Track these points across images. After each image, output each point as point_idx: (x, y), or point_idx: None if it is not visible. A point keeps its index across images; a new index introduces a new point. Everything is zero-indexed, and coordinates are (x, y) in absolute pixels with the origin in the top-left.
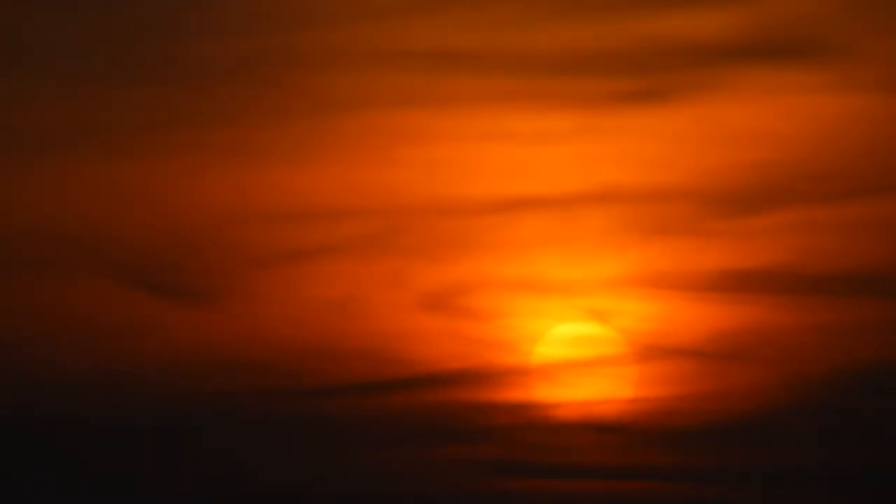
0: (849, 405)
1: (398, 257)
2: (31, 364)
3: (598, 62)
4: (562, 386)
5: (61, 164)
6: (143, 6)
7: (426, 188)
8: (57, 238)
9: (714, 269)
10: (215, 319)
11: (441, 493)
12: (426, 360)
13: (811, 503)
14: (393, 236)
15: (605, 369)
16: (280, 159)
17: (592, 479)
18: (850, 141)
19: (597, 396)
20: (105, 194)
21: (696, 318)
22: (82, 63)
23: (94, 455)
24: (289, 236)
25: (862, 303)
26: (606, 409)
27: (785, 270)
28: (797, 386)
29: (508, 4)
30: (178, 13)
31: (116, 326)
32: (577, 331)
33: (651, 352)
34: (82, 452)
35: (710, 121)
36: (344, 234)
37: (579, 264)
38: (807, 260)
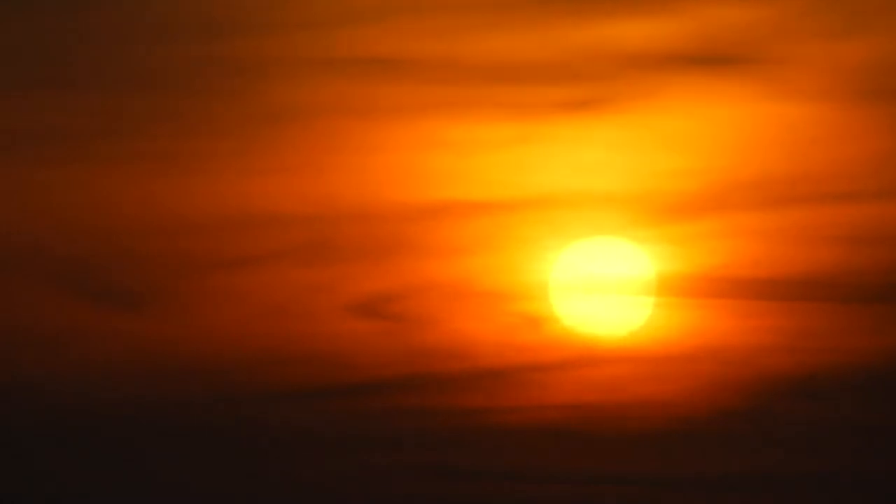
0: (782, 410)
1: (335, 263)
2: None
3: (535, 71)
4: (500, 392)
5: (2, 170)
6: (85, 12)
7: (363, 195)
8: None
9: (650, 274)
10: (154, 326)
11: (382, 499)
12: (363, 367)
13: None
14: (330, 243)
15: (542, 375)
16: (218, 167)
17: (535, 483)
18: (786, 148)
19: (535, 402)
20: (46, 201)
21: (629, 324)
22: (25, 68)
23: (36, 464)
24: (227, 243)
25: (797, 308)
26: (544, 415)
27: (720, 275)
28: (733, 391)
29: (446, 14)
30: (119, 20)
31: (57, 334)
32: (514, 336)
33: (588, 357)
34: (23, 461)
35: (646, 128)
36: (282, 241)
37: (516, 269)
38: (742, 265)
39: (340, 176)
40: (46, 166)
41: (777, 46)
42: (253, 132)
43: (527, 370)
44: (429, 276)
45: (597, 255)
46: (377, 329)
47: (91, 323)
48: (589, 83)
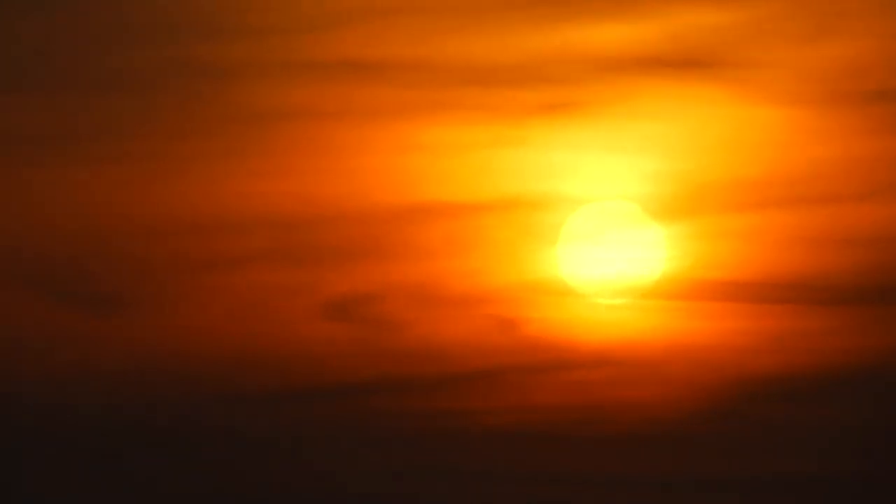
0: (759, 413)
1: (309, 266)
2: None
3: (508, 74)
4: (474, 394)
5: None
6: (60, 15)
7: (337, 198)
8: None
9: (621, 277)
10: (129, 329)
11: (356, 501)
12: (338, 370)
13: None
14: (304, 245)
15: (517, 378)
16: (194, 170)
17: (510, 485)
18: (758, 152)
19: (510, 405)
20: (19, 202)
21: (604, 326)
22: (6, 71)
23: (15, 467)
24: (202, 246)
25: (771, 310)
26: (519, 418)
27: (695, 278)
28: (705, 393)
29: (421, 17)
30: (95, 22)
31: (28, 336)
32: (489, 339)
33: (563, 360)
34: (4, 465)
35: (619, 131)
36: (257, 243)
37: (489, 272)
38: (715, 268)
39: (315, 178)
40: (27, 168)
41: (749, 50)
42: (229, 135)
43: (501, 373)
44: (402, 279)
45: (570, 258)
46: (351, 332)
47: (65, 325)
48: (562, 86)
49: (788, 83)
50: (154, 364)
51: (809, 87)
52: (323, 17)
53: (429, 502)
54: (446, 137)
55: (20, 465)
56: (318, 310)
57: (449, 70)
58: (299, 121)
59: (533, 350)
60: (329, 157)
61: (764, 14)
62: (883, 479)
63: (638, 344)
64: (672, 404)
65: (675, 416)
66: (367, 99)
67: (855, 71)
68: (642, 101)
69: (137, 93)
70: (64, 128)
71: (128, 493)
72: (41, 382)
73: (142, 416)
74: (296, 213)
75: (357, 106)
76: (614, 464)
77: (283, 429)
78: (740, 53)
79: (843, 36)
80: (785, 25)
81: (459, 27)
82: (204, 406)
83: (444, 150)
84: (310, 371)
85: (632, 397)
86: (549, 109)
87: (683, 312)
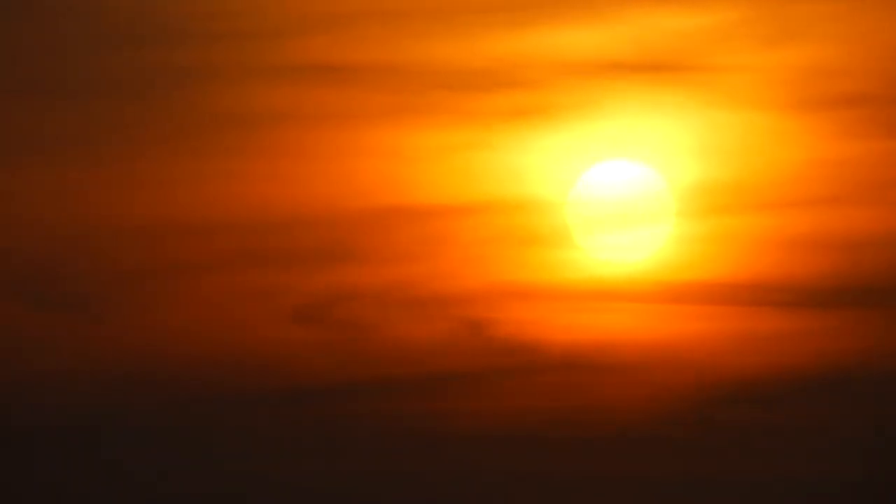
0: (729, 415)
1: (279, 269)
2: None
3: (477, 78)
4: (444, 397)
5: None
6: (41, 21)
7: (307, 201)
8: None
9: (588, 279)
10: (101, 331)
11: (327, 501)
12: (309, 373)
13: None
14: (274, 249)
15: (484, 380)
16: (161, 173)
17: (482, 486)
18: (726, 155)
19: (481, 407)
20: None
21: (575, 329)
22: None
23: None
24: (168, 249)
25: (740, 313)
26: (490, 421)
27: (663, 280)
28: (678, 396)
29: (393, 22)
30: (68, 27)
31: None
32: (457, 341)
33: (530, 363)
34: None
35: (586, 136)
36: (228, 247)
37: (458, 275)
38: (683, 270)
39: (286, 182)
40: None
41: (715, 54)
42: (204, 139)
43: (472, 375)
44: (373, 281)
45: (541, 261)
46: (323, 334)
47: (34, 329)
48: (531, 91)
49: (755, 87)
50: (127, 367)
51: (775, 91)
52: (298, 22)
53: (400, 503)
54: (417, 141)
55: None
56: (290, 312)
57: (420, 74)
58: (273, 125)
59: (504, 353)
60: (301, 161)
61: (730, 19)
62: (861, 479)
63: (610, 347)
64: (644, 407)
65: (647, 419)
66: (340, 103)
67: (821, 75)
68: (611, 106)
69: (115, 97)
70: (41, 132)
71: (104, 493)
72: (17, 384)
73: (116, 417)
74: (267, 216)
75: (329, 110)
76: (587, 466)
77: (256, 431)
78: (707, 58)
79: (809, 40)
80: (751, 30)
81: (430, 32)
82: (177, 408)
83: (415, 154)
84: (281, 374)
85: (603, 400)
86: (518, 114)
87: (656, 315)
